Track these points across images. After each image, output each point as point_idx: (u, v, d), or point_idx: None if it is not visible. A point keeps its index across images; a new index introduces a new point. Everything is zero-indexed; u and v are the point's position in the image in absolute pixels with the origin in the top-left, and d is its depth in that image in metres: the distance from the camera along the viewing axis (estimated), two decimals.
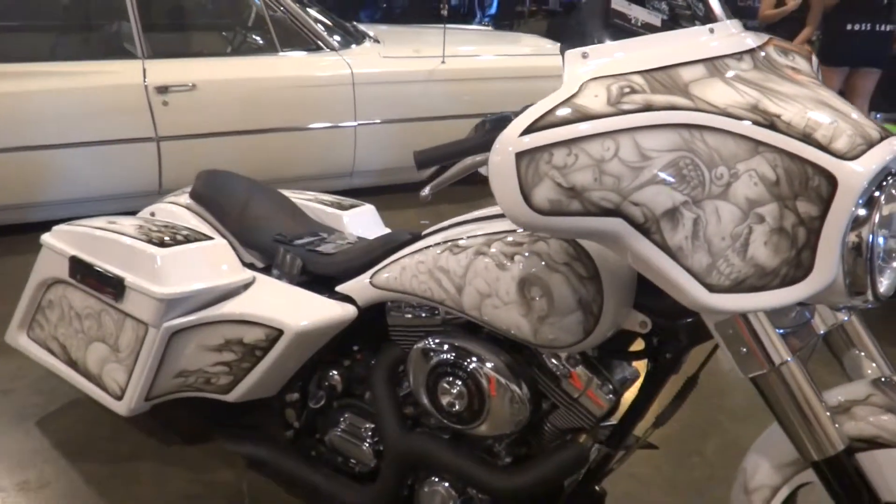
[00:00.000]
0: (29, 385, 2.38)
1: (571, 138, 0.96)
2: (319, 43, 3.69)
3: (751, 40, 1.18)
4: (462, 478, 1.46)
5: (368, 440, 1.62)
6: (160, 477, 1.99)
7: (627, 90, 1.01)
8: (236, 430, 1.84)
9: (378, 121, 3.80)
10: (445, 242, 1.40)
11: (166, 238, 1.69)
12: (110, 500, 1.91)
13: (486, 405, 1.35)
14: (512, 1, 10.17)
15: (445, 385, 1.40)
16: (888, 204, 1.01)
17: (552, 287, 1.24)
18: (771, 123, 1.01)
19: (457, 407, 1.38)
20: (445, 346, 1.41)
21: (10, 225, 3.46)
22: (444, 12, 3.83)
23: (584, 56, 1.06)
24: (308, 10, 3.76)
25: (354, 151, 3.79)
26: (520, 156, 0.96)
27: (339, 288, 1.62)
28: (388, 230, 2.10)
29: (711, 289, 1.02)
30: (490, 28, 5.95)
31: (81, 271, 1.77)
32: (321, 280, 1.70)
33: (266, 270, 1.81)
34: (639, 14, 1.13)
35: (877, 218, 0.99)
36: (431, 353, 1.42)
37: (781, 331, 1.13)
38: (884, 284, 1.05)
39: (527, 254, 1.26)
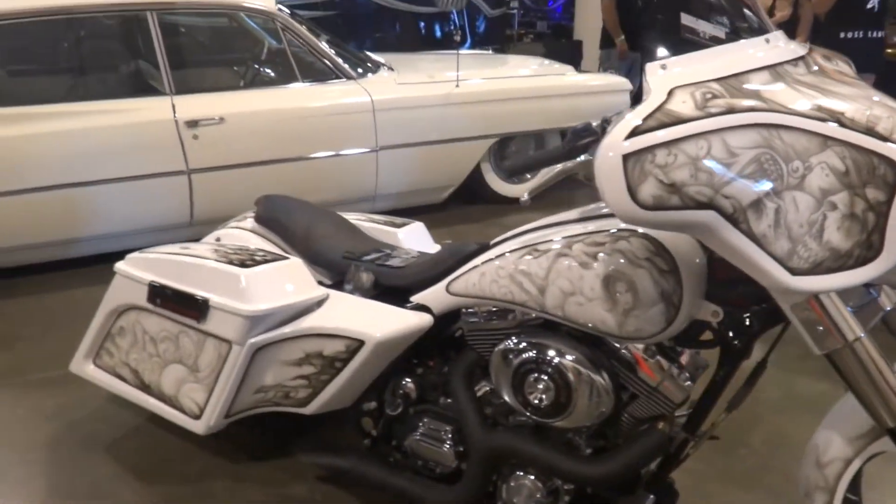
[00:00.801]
0: (91, 414, 2.44)
1: (670, 140, 1.07)
2: (339, 73, 3.81)
3: (799, 48, 1.31)
4: (548, 470, 1.54)
5: (449, 442, 1.70)
6: (235, 493, 2.05)
7: (709, 95, 1.12)
8: (312, 442, 1.92)
9: (398, 145, 3.91)
10: (523, 248, 1.50)
11: (246, 259, 1.78)
12: None
13: (572, 398, 1.45)
14: (500, 24, 10.37)
15: (531, 382, 1.49)
16: None
17: (636, 281, 1.34)
18: (837, 120, 1.13)
19: (545, 402, 1.47)
20: (527, 346, 1.51)
21: (43, 263, 3.54)
22: (458, 38, 3.98)
23: (663, 67, 1.18)
24: (323, 41, 3.89)
25: (376, 176, 3.90)
26: (626, 157, 1.07)
27: (415, 298, 1.71)
28: (437, 245, 2.20)
29: (793, 272, 1.13)
30: (490, 52, 6.10)
31: (161, 296, 1.85)
32: (392, 292, 1.79)
33: (334, 286, 1.90)
34: (706, 28, 1.26)
35: None
36: (514, 354, 1.52)
37: (850, 309, 1.24)
38: None
39: (609, 252, 1.36)
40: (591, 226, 1.43)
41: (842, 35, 4.34)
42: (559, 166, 1.38)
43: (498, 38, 10.27)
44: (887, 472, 1.60)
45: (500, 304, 1.55)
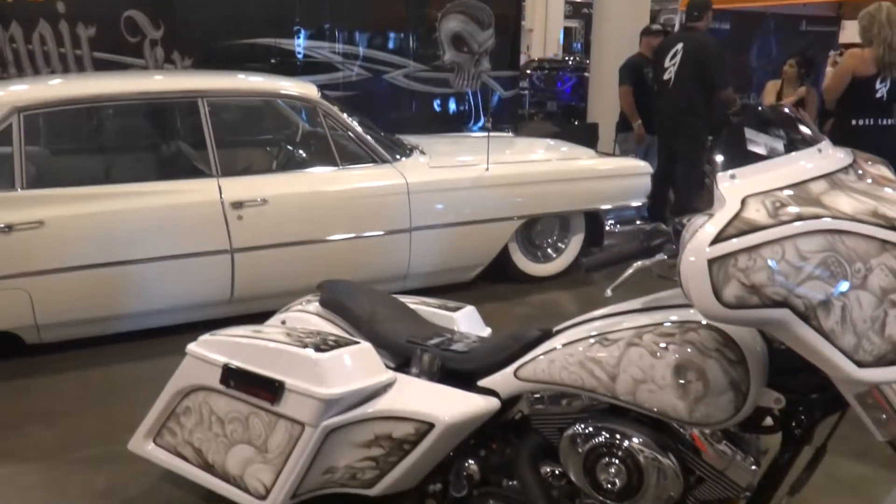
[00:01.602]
0: (145, 492, 2.49)
1: (751, 246, 1.19)
2: (375, 157, 3.99)
3: (846, 156, 1.45)
4: None
5: None
6: None
7: (779, 204, 1.25)
8: None
9: (430, 226, 4.06)
10: (592, 337, 1.59)
11: (319, 343, 1.87)
12: None
13: (644, 481, 1.52)
14: (513, 104, 10.71)
15: (603, 465, 1.56)
16: None
17: (707, 371, 1.43)
18: (892, 226, 1.25)
19: (617, 485, 1.54)
20: (597, 430, 1.58)
21: (86, 338, 3.63)
22: (489, 124, 4.17)
23: (733, 177, 1.31)
24: (357, 123, 4.08)
25: (409, 255, 4.03)
26: (711, 262, 1.19)
27: (482, 382, 1.80)
28: (487, 328, 2.30)
29: (859, 364, 1.23)
30: (511, 134, 6.34)
31: (235, 377, 1.93)
32: (457, 376, 1.87)
33: (398, 369, 1.98)
34: (767, 141, 1.39)
35: None
36: (584, 438, 1.59)
37: None
38: None
39: (680, 343, 1.46)
40: (658, 317, 1.53)
41: (853, 122, 4.54)
42: (637, 263, 1.49)
43: (511, 117, 10.60)
44: None
45: (569, 389, 1.63)
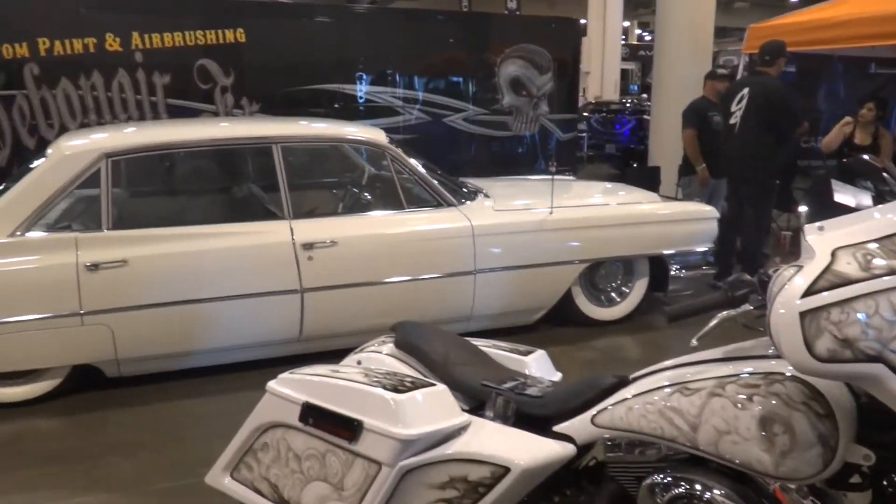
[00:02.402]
0: None
1: (843, 299, 1.18)
2: (441, 200, 4.07)
3: None
4: None
5: None
6: None
7: (869, 257, 1.24)
8: None
9: (494, 269, 4.09)
10: (672, 385, 1.59)
11: (397, 384, 1.91)
12: None
13: None
14: (571, 146, 10.76)
15: None
16: None
17: (794, 424, 1.41)
18: None
19: None
20: (678, 481, 1.57)
21: (161, 373, 3.76)
22: (553, 168, 4.21)
23: (821, 229, 1.31)
24: (422, 168, 4.17)
25: (473, 297, 4.07)
26: (803, 315, 1.19)
27: (558, 427, 1.80)
28: (558, 372, 2.30)
29: None
30: (572, 177, 6.37)
31: (314, 415, 1.98)
32: (531, 420, 1.88)
33: (472, 412, 2.00)
34: (854, 194, 1.39)
35: None
36: (664, 488, 1.58)
37: None
38: None
39: (765, 395, 1.45)
40: (740, 367, 1.52)
41: None
42: (723, 313, 1.50)
43: (569, 159, 10.64)
44: None
45: (648, 438, 1.62)
